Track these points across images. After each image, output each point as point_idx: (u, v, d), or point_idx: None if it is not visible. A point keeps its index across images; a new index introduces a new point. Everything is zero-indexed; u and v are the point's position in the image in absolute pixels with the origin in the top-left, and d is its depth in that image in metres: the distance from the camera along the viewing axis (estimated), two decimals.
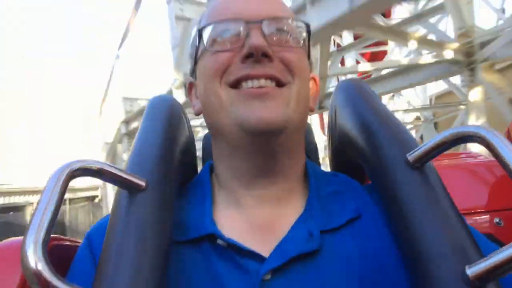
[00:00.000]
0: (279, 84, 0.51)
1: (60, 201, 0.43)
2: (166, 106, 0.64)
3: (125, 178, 0.48)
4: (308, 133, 0.80)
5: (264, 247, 0.50)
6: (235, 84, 0.51)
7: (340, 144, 0.69)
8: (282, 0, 0.60)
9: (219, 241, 0.51)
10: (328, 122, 0.76)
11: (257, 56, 0.49)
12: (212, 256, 0.50)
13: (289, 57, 0.52)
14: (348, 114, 0.64)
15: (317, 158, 0.82)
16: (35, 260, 0.39)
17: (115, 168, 0.48)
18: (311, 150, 0.79)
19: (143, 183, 0.50)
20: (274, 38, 0.52)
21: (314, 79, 0.63)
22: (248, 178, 0.55)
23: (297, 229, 0.52)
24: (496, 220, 0.89)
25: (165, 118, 0.62)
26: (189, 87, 0.63)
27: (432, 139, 0.49)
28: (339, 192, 0.58)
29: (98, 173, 0.46)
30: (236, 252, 0.50)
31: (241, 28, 0.51)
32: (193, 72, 0.61)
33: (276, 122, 0.49)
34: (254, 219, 0.54)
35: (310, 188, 0.57)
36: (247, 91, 0.50)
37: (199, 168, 0.69)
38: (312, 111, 0.61)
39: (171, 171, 0.55)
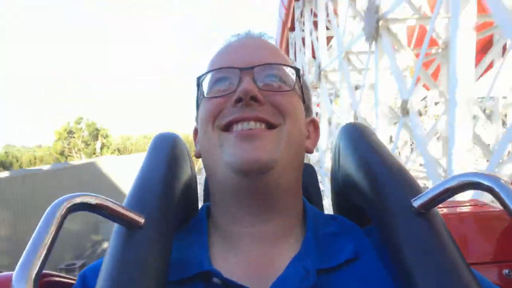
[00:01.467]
0: (270, 126, 0.53)
1: (55, 237, 0.42)
2: (170, 144, 0.65)
3: (124, 214, 0.48)
4: (310, 176, 0.80)
5: (259, 286, 0.49)
6: (227, 127, 0.54)
7: (343, 186, 0.69)
8: (275, 47, 0.63)
9: (215, 280, 0.50)
10: (332, 164, 0.76)
11: (246, 100, 0.52)
12: None
13: (279, 100, 0.55)
14: (351, 157, 0.64)
15: (320, 201, 0.81)
16: None
17: (114, 203, 0.47)
18: (313, 193, 0.79)
19: (141, 220, 0.49)
20: (265, 83, 0.55)
21: (313, 122, 0.65)
22: (241, 217, 0.55)
23: (293, 267, 0.51)
24: (505, 271, 0.86)
25: (168, 155, 0.62)
26: (194, 133, 0.66)
27: (436, 185, 0.49)
28: (337, 233, 0.58)
29: (96, 208, 0.46)
30: None
31: (235, 75, 0.55)
32: (196, 118, 0.65)
33: (263, 161, 0.51)
34: (250, 258, 0.54)
35: (307, 228, 0.57)
36: (236, 133, 0.52)
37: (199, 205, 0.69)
38: (310, 152, 0.63)
39: (170, 208, 0.55)
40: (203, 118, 0.57)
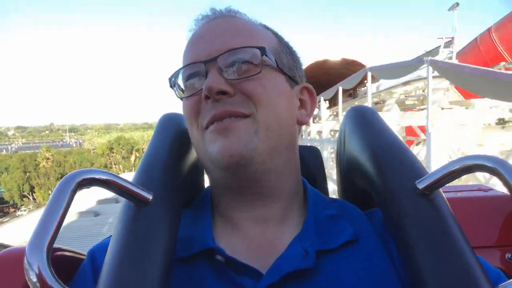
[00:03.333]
0: (243, 116, 0.52)
1: (66, 210, 0.43)
2: (177, 124, 0.65)
3: (133, 191, 0.49)
4: (314, 158, 0.80)
5: (260, 265, 0.50)
6: (207, 126, 0.53)
7: (348, 170, 0.69)
8: (241, 23, 0.58)
9: (218, 257, 0.51)
10: (337, 147, 0.76)
11: (212, 97, 0.51)
12: (209, 273, 0.51)
13: (248, 88, 0.53)
14: (356, 141, 0.64)
15: (325, 184, 0.81)
16: (39, 267, 0.39)
17: (123, 180, 0.48)
18: (317, 176, 0.79)
19: (149, 197, 0.50)
20: (232, 71, 0.53)
21: (306, 89, 0.63)
22: (238, 205, 0.56)
23: (293, 247, 0.52)
24: (508, 255, 0.87)
25: (175, 135, 0.63)
26: None
27: (441, 167, 0.49)
28: (337, 216, 0.58)
29: (105, 184, 0.47)
30: (233, 269, 0.50)
31: (201, 69, 0.54)
32: None
33: (239, 155, 0.50)
34: (251, 239, 0.55)
35: (307, 210, 0.58)
36: (211, 130, 0.52)
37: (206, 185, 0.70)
38: (303, 123, 0.61)
39: (178, 186, 0.56)
40: (186, 119, 0.57)
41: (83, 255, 0.62)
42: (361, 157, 0.61)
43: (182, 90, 0.57)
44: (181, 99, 0.58)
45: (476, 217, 0.90)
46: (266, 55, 0.54)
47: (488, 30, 9.46)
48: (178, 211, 0.54)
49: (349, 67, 17.90)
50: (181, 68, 0.57)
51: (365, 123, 0.65)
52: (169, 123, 0.65)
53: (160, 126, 0.65)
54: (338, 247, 0.53)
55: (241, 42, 0.54)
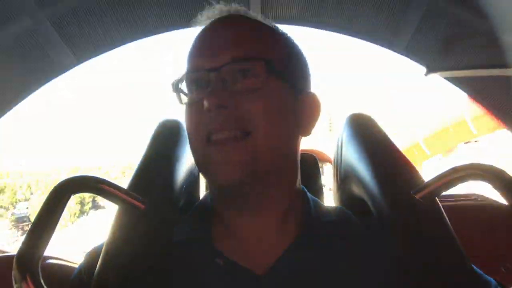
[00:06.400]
0: (242, 133, 0.50)
1: (59, 217, 0.42)
2: (173, 130, 0.65)
3: (126, 197, 0.48)
4: (311, 167, 0.80)
5: (259, 269, 0.50)
6: (208, 138, 0.51)
7: (345, 177, 0.69)
8: (249, 26, 0.57)
9: (217, 260, 0.51)
10: (334, 155, 0.76)
11: (213, 110, 0.50)
12: (208, 276, 0.50)
13: (247, 105, 0.51)
14: (354, 148, 0.64)
15: (321, 188, 0.81)
16: (28, 275, 0.38)
17: (116, 186, 0.48)
18: (313, 183, 0.79)
19: (143, 203, 0.49)
20: (234, 83, 0.51)
21: (312, 97, 0.59)
22: (236, 214, 0.55)
23: (290, 252, 0.52)
24: (503, 266, 0.87)
25: (170, 141, 0.62)
26: None
27: (437, 176, 0.49)
28: (335, 222, 0.58)
29: (98, 190, 0.46)
30: (232, 272, 0.50)
31: (205, 76, 0.52)
32: None
33: (238, 179, 0.49)
34: (249, 243, 0.54)
35: (306, 216, 0.57)
36: (213, 148, 0.50)
37: (201, 191, 0.69)
38: (306, 135, 0.59)
39: (173, 193, 0.55)
40: (187, 126, 0.55)
41: (74, 263, 0.61)
42: (358, 165, 0.61)
43: (185, 94, 0.56)
44: (182, 104, 0.56)
45: (472, 226, 0.90)
46: (272, 68, 0.52)
47: None
48: (172, 218, 0.53)
49: None
50: (184, 74, 0.55)
51: (363, 130, 0.65)
52: (165, 129, 0.65)
53: (156, 132, 0.65)
54: (335, 252, 0.52)
55: (247, 52, 0.53)
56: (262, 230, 0.55)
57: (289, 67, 0.56)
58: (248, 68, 0.52)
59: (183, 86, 0.56)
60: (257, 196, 0.53)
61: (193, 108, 0.53)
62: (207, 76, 0.51)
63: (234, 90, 0.51)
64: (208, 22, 0.57)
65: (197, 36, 0.57)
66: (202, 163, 0.53)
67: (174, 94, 0.56)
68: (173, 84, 0.56)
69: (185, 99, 0.55)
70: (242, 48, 0.53)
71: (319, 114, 0.60)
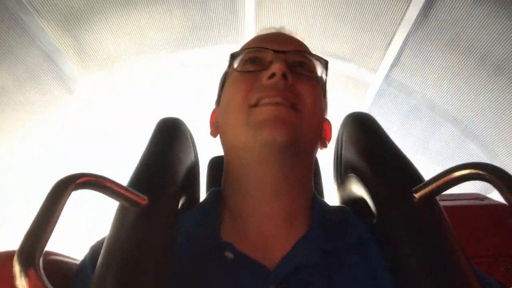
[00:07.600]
0: (294, 108, 0.54)
1: (59, 213, 0.42)
2: (173, 127, 0.65)
3: (127, 194, 0.48)
4: (316, 175, 0.80)
5: (268, 262, 0.50)
6: (256, 103, 0.54)
7: (345, 177, 0.69)
8: (305, 43, 0.65)
9: (227, 253, 0.51)
10: (334, 154, 0.76)
11: (278, 75, 0.53)
12: (217, 270, 0.50)
13: (305, 88, 0.56)
14: (353, 147, 0.64)
15: (322, 189, 0.81)
16: (29, 271, 0.38)
17: (117, 183, 0.48)
18: (315, 183, 0.79)
19: (144, 200, 0.49)
20: (296, 68, 0.57)
21: (329, 122, 0.66)
22: (256, 194, 0.55)
23: (299, 247, 0.53)
24: (503, 266, 0.86)
25: (171, 138, 0.62)
26: (212, 115, 0.68)
27: (437, 175, 0.48)
28: (342, 220, 0.58)
29: (100, 187, 0.46)
30: (242, 266, 0.50)
31: (267, 56, 0.57)
32: (218, 99, 0.66)
33: (286, 138, 0.51)
34: (259, 236, 0.55)
35: (314, 213, 0.58)
36: (263, 108, 0.53)
37: (201, 191, 0.69)
38: (324, 147, 0.64)
39: (173, 190, 0.55)
40: (232, 93, 0.58)
41: (75, 259, 0.61)
42: (358, 164, 0.61)
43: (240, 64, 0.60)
44: (229, 75, 0.61)
45: (472, 226, 0.90)
46: (326, 71, 0.61)
47: None
48: (174, 215, 0.53)
49: None
50: (249, 48, 0.60)
51: (363, 129, 0.65)
52: (167, 126, 0.65)
53: (157, 129, 0.65)
54: (344, 248, 0.53)
55: (307, 51, 0.61)
56: (274, 220, 0.55)
57: (325, 86, 0.65)
58: (309, 63, 0.59)
59: (241, 57, 0.60)
60: (290, 166, 0.55)
61: (246, 76, 0.57)
62: (271, 55, 0.56)
63: (293, 72, 0.56)
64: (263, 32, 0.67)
65: (257, 36, 0.65)
66: (246, 124, 0.54)
67: (228, 64, 0.62)
68: (232, 55, 0.61)
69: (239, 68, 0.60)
70: (303, 47, 0.63)
71: (330, 139, 0.67)
